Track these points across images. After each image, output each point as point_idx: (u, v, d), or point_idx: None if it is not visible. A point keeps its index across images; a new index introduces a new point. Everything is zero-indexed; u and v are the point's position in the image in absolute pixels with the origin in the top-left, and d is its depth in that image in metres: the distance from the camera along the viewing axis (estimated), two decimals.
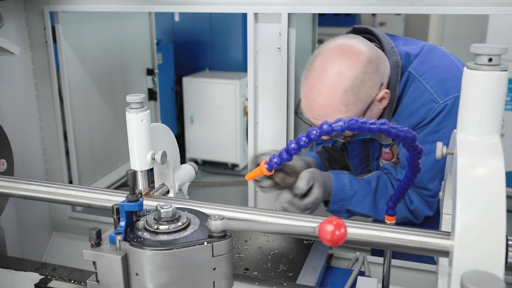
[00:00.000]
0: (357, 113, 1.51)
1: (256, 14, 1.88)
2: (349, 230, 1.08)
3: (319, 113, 1.51)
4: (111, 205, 1.04)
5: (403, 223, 1.65)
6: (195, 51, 5.74)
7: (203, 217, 1.04)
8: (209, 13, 5.46)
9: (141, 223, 1.02)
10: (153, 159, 1.30)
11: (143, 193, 1.32)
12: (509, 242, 0.89)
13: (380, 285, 1.49)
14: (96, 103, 2.76)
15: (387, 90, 1.55)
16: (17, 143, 2.15)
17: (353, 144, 1.79)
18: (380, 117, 1.59)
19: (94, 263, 0.98)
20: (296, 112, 1.85)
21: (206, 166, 5.36)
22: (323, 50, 1.53)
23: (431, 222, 1.70)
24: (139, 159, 1.30)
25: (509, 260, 0.90)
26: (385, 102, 1.56)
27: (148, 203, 1.28)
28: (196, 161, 5.31)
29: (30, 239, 2.40)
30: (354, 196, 1.62)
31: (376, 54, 1.53)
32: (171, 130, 1.46)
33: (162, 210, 0.99)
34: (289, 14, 1.84)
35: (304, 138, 1.12)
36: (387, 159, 1.73)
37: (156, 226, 0.98)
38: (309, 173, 1.53)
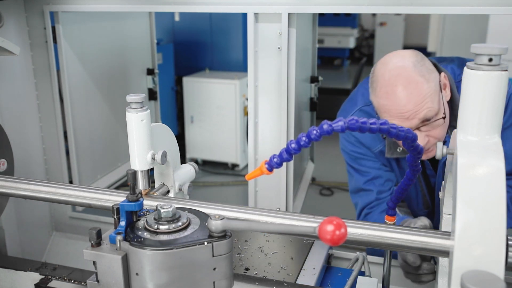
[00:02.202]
0: (435, 89, 1.59)
1: (256, 14, 1.88)
2: (349, 230, 1.08)
3: (406, 96, 1.58)
4: (111, 205, 1.04)
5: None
6: (195, 51, 5.74)
7: (203, 217, 1.04)
8: (209, 13, 5.46)
9: (141, 223, 1.02)
10: (153, 159, 1.30)
11: (143, 193, 1.32)
12: (509, 242, 0.89)
13: (380, 285, 1.49)
14: (96, 103, 2.75)
15: (446, 76, 1.67)
16: (17, 143, 2.15)
17: None
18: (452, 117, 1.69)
19: (94, 263, 0.98)
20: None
21: (206, 166, 5.36)
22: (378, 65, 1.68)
23: None
24: (139, 159, 1.30)
25: (509, 260, 0.90)
26: (448, 93, 1.68)
27: (148, 203, 1.28)
28: (196, 161, 5.31)
29: (30, 239, 2.40)
30: None
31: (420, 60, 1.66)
32: (171, 130, 1.46)
33: (162, 210, 0.99)
34: (289, 14, 1.84)
35: (304, 138, 1.12)
36: None
37: (156, 226, 0.98)
38: None
